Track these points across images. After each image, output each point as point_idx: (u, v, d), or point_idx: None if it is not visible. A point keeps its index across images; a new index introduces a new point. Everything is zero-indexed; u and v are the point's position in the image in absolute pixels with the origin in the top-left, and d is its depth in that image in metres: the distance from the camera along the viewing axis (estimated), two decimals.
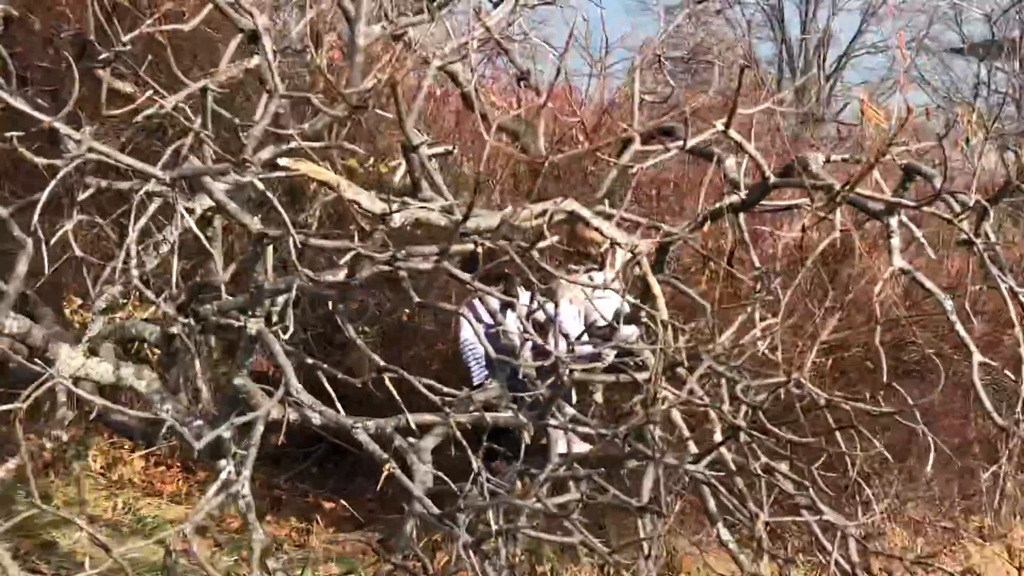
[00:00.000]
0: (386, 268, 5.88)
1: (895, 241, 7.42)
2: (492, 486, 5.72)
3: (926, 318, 10.36)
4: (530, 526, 5.79)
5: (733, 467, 6.24)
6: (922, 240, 7.55)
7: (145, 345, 7.47)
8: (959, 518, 11.58)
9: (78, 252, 6.04)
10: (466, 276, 5.78)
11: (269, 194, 5.55)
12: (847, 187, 6.40)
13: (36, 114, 5.60)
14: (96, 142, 5.50)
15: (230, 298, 6.34)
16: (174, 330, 6.62)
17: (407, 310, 9.46)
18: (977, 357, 7.28)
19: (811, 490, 6.44)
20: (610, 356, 7.22)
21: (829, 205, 6.48)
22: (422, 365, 9.61)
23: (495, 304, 7.78)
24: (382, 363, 5.82)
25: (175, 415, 6.52)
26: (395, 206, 5.37)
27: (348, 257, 5.82)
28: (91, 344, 6.82)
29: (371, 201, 5.44)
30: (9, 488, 8.74)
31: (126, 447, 10.08)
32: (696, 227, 6.70)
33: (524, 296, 7.95)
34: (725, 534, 7.03)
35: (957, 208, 7.06)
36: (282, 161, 5.40)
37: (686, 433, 6.96)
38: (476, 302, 7.99)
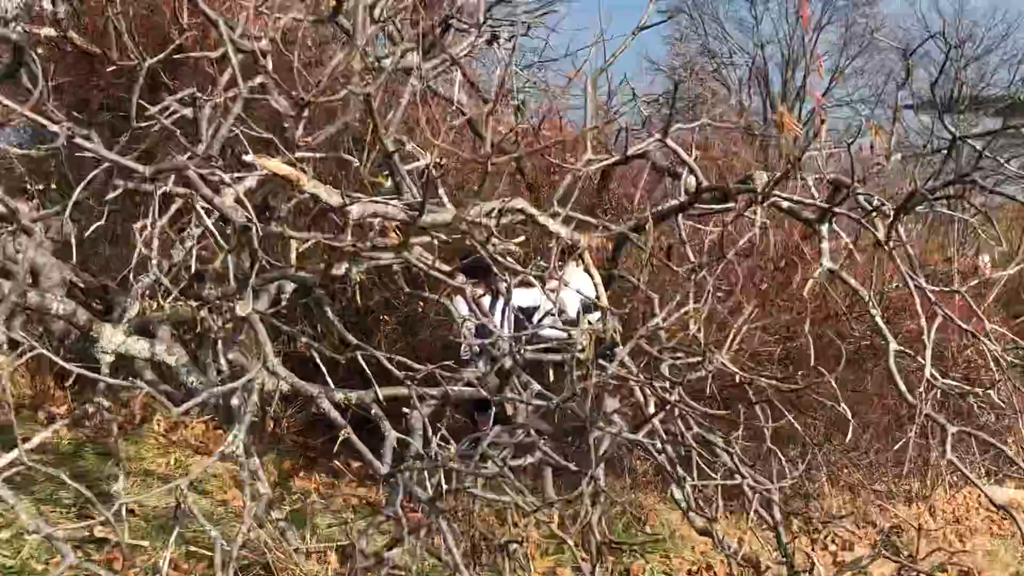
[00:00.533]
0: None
1: (825, 245, 7.05)
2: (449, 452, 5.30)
3: (865, 313, 9.87)
4: (472, 485, 5.28)
5: (665, 436, 5.72)
6: (850, 245, 7.09)
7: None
8: (891, 483, 11.10)
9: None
10: (444, 268, 5.38)
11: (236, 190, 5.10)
12: (766, 189, 5.94)
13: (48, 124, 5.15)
14: (87, 141, 5.09)
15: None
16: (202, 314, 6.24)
17: (421, 302, 8.91)
18: (893, 345, 6.87)
19: (734, 457, 5.91)
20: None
21: (751, 206, 6.02)
22: (429, 348, 9.23)
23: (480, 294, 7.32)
24: (355, 341, 5.40)
25: (198, 385, 6.18)
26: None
27: (307, 246, 5.33)
28: (130, 325, 6.48)
29: (329, 194, 4.99)
30: (80, 446, 8.42)
31: (192, 412, 9.70)
32: (638, 227, 6.27)
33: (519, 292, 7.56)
34: (678, 494, 6.62)
35: (876, 217, 6.60)
36: (247, 157, 4.94)
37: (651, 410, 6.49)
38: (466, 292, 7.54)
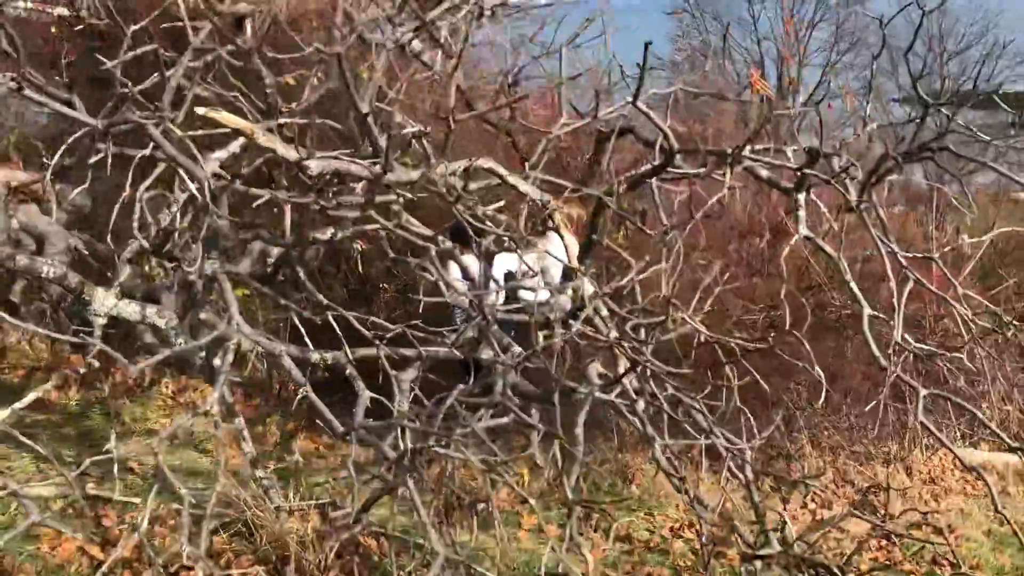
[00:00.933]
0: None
1: (802, 213, 6.59)
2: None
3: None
4: (437, 445, 4.83)
5: (634, 395, 5.26)
6: (825, 213, 6.62)
7: None
8: (870, 445, 10.60)
9: None
10: (425, 232, 4.94)
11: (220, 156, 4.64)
12: (736, 151, 5.46)
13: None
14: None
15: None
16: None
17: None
18: (867, 311, 6.41)
19: (707, 418, 5.45)
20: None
21: (722, 168, 5.53)
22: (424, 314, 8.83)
23: (466, 260, 6.85)
24: (325, 301, 4.96)
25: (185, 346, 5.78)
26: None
27: (263, 201, 4.85)
28: (121, 288, 6.07)
29: (286, 149, 4.53)
30: (88, 408, 8.08)
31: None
32: (610, 191, 5.78)
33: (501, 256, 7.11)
34: (658, 453, 6.19)
35: (849, 186, 6.11)
36: (199, 110, 4.48)
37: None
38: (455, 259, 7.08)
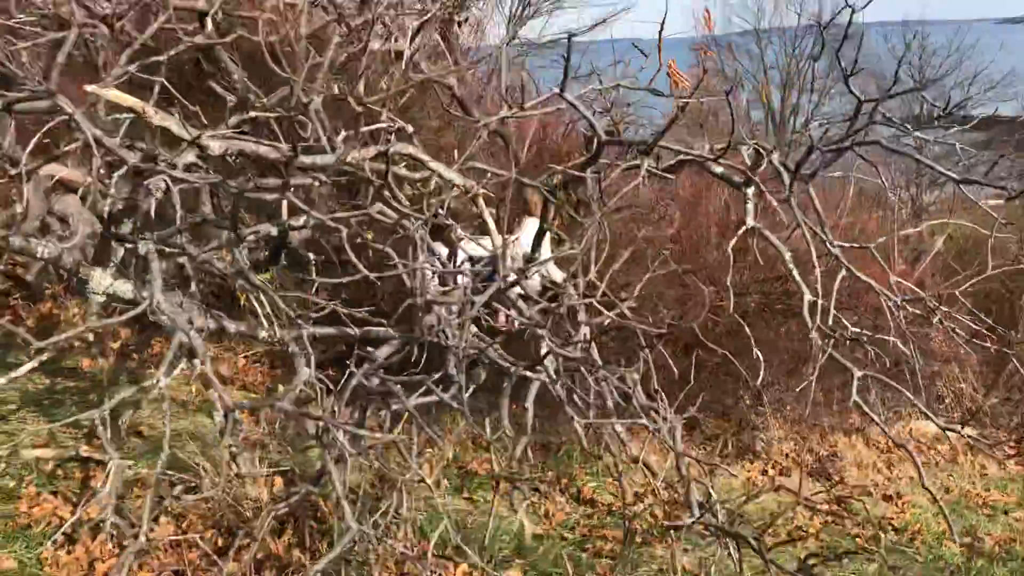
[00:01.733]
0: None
1: (750, 205, 5.86)
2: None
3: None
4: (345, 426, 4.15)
5: (553, 376, 4.54)
6: (750, 205, 5.91)
7: None
8: (832, 418, 9.80)
9: None
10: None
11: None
12: (653, 143, 4.72)
13: None
14: None
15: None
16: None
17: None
18: (807, 296, 5.66)
19: (635, 394, 4.74)
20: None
21: (643, 159, 4.79)
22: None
23: (441, 249, 6.16)
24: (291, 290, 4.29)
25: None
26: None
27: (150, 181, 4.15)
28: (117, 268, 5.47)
29: (180, 128, 3.87)
30: (117, 377, 7.52)
31: (238, 349, 8.75)
32: (548, 178, 5.09)
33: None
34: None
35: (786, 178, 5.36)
36: (89, 87, 3.84)
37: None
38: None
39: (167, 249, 4.47)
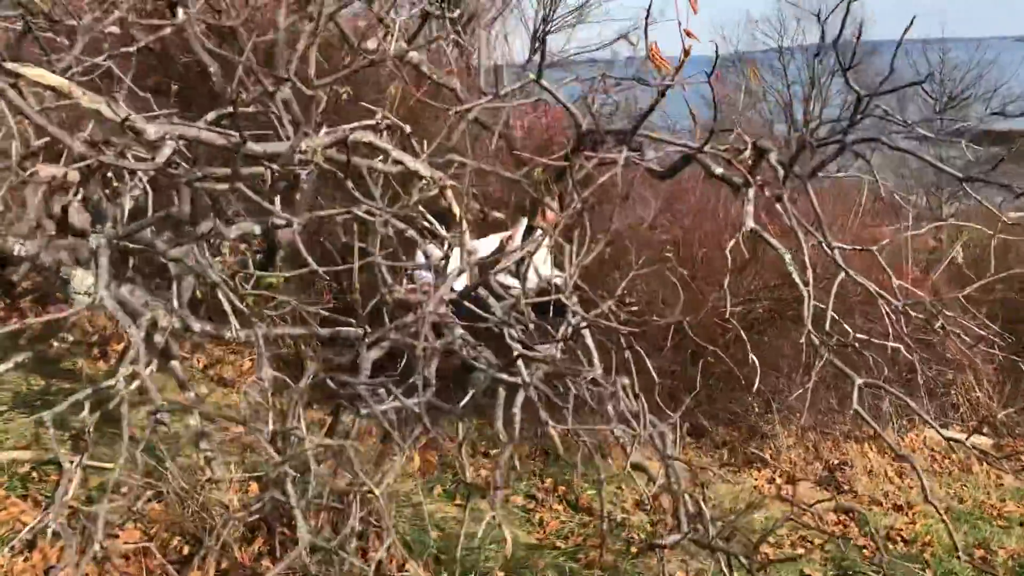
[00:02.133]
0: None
1: (749, 208, 5.44)
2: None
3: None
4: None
5: (527, 379, 4.12)
6: (749, 207, 5.50)
7: None
8: (845, 425, 9.30)
9: None
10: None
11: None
12: (632, 131, 4.32)
13: None
14: None
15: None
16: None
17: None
18: (807, 299, 5.22)
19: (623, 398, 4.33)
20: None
21: (620, 148, 4.38)
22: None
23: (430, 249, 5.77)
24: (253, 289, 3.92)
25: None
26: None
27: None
28: None
29: (109, 111, 3.51)
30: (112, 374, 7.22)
31: (245, 354, 8.43)
32: (527, 173, 4.69)
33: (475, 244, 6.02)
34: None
35: (780, 172, 4.93)
36: (8, 65, 3.49)
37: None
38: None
39: (131, 245, 4.13)
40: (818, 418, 9.03)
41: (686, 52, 3.80)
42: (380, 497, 3.36)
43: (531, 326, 3.76)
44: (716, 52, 4.14)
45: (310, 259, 3.60)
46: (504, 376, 3.98)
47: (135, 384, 3.80)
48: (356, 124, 4.65)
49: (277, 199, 4.96)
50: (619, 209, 6.18)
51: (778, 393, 8.73)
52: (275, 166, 3.69)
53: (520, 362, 3.92)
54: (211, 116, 4.63)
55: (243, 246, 5.93)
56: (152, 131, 3.43)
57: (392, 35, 5.59)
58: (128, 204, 5.00)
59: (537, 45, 19.63)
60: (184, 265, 4.00)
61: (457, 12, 6.40)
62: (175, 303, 4.77)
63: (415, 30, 6.01)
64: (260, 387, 3.89)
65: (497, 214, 5.88)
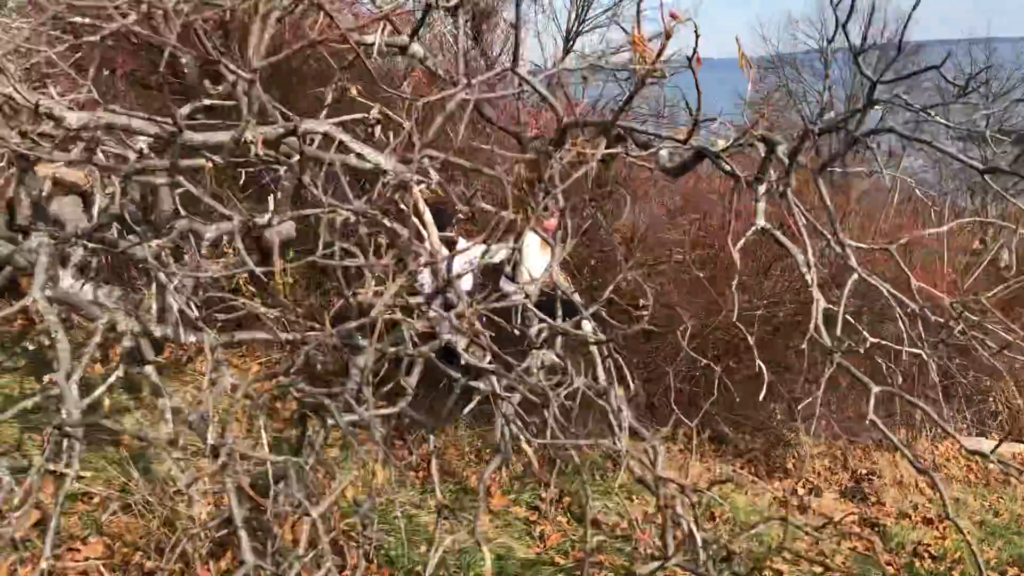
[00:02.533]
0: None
1: (760, 205, 5.07)
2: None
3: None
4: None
5: (499, 389, 3.79)
6: (760, 204, 5.17)
7: None
8: (872, 433, 8.85)
9: None
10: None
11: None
12: (611, 122, 3.98)
13: None
14: None
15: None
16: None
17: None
18: (821, 303, 4.90)
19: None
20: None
21: (598, 140, 4.03)
22: None
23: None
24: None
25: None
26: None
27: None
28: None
29: (24, 98, 3.24)
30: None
31: (250, 358, 8.19)
32: (510, 168, 4.36)
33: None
34: (527, 448, 4.79)
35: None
36: None
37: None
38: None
39: (89, 244, 3.88)
40: (845, 425, 8.61)
41: (667, 35, 3.47)
42: (318, 521, 3.06)
43: (486, 336, 3.42)
44: (703, 48, 3.77)
45: (248, 259, 3.31)
46: (478, 385, 3.66)
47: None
48: (344, 118, 4.37)
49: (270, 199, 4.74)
50: (630, 207, 5.81)
51: (802, 400, 8.33)
52: (217, 157, 3.42)
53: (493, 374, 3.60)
54: (186, 109, 4.36)
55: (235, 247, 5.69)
56: (74, 119, 3.17)
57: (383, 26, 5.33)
58: (102, 202, 4.77)
59: (568, 45, 19.27)
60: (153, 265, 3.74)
61: (454, 2, 6.02)
62: (152, 305, 4.55)
63: (417, 23, 5.74)
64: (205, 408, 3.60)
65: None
